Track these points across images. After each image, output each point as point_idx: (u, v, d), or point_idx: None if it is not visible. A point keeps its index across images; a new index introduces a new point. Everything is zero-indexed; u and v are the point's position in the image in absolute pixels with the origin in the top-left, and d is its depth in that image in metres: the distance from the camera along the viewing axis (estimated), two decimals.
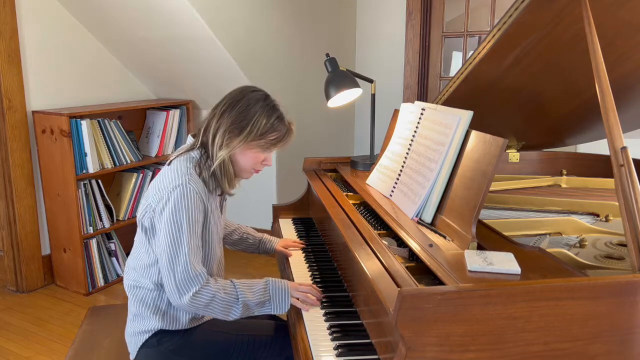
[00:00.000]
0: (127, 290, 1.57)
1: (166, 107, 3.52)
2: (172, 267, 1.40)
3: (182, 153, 1.52)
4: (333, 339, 1.26)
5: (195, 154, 1.51)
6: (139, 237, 1.55)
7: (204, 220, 1.47)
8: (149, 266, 1.50)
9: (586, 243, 1.42)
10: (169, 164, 1.51)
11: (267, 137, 1.49)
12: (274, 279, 1.51)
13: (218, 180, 1.50)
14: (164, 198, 1.42)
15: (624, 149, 1.14)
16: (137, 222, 1.52)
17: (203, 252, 1.50)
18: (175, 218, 1.40)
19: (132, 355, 1.55)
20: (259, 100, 1.50)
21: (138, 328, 1.52)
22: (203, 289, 1.41)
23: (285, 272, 1.74)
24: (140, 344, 1.51)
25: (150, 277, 1.50)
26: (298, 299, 1.46)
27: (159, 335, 1.50)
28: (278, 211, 2.25)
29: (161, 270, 1.44)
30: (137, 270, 1.54)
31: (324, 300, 1.47)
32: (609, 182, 1.96)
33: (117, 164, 3.20)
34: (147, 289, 1.51)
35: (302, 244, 1.88)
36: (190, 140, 1.57)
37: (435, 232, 1.36)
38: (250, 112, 1.47)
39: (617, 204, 1.13)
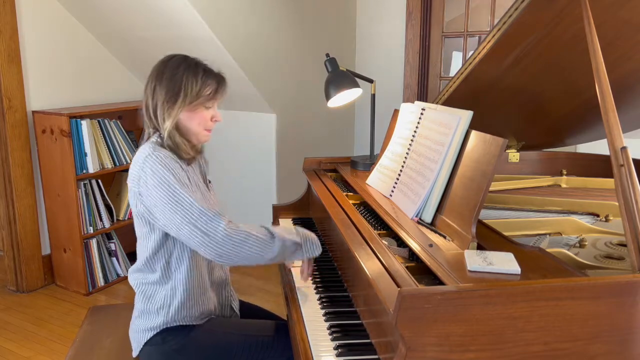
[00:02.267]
0: (134, 287, 1.58)
1: None
2: (188, 219, 1.38)
3: (143, 143, 1.55)
4: (333, 339, 1.26)
5: (154, 137, 1.53)
6: (139, 236, 1.55)
7: (189, 182, 1.47)
8: (154, 254, 1.50)
9: (586, 243, 1.42)
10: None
11: (203, 94, 1.51)
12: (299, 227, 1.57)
13: (173, 151, 1.51)
14: (142, 174, 1.44)
15: (624, 149, 1.14)
16: (133, 215, 1.53)
17: None
18: (160, 179, 1.41)
19: (135, 352, 1.55)
20: (180, 63, 1.53)
21: (143, 325, 1.53)
22: (232, 225, 1.39)
23: (284, 271, 1.74)
24: (145, 341, 1.52)
25: (158, 265, 1.50)
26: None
27: (164, 334, 1.51)
28: (278, 211, 2.25)
29: (183, 238, 1.41)
30: (142, 270, 1.55)
31: (324, 299, 1.47)
32: (609, 182, 1.96)
33: (117, 164, 3.20)
34: (154, 284, 1.52)
35: None
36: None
37: (435, 232, 1.36)
38: (177, 77, 1.50)
39: (617, 204, 1.13)
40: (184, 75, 1.50)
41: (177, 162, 1.47)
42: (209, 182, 1.70)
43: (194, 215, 1.38)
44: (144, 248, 1.53)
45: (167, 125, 1.49)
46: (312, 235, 1.53)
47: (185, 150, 1.52)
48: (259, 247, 1.40)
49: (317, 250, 1.51)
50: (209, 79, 1.52)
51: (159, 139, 1.52)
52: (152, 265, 1.52)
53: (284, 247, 1.44)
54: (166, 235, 1.49)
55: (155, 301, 1.52)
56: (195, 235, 1.38)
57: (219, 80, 1.55)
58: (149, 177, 1.42)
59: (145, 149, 1.48)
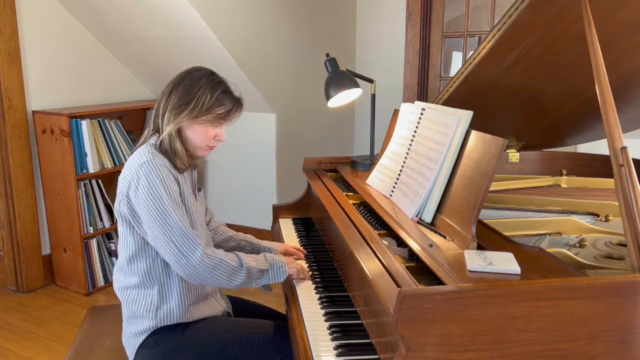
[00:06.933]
0: (118, 294, 1.57)
1: None
2: (169, 237, 1.41)
3: (142, 142, 1.55)
4: (333, 339, 1.26)
5: (153, 139, 1.53)
6: (120, 233, 1.54)
7: (180, 193, 1.48)
8: (133, 257, 1.50)
9: (586, 243, 1.42)
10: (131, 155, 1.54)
11: (213, 112, 1.50)
12: (270, 253, 1.63)
13: (169, 156, 1.50)
14: (134, 179, 1.43)
15: (624, 149, 1.14)
16: (116, 214, 1.52)
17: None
18: (152, 191, 1.41)
19: (131, 358, 1.55)
20: (203, 77, 1.51)
21: (134, 330, 1.52)
22: (209, 251, 1.45)
23: None
24: (138, 345, 1.51)
25: (137, 269, 1.50)
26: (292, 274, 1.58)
27: (156, 336, 1.50)
28: (278, 211, 2.25)
29: (160, 249, 1.44)
30: (123, 270, 1.54)
31: (324, 299, 1.47)
32: (609, 182, 1.95)
33: (117, 164, 3.20)
34: (136, 287, 1.51)
35: (303, 251, 1.81)
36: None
37: (435, 232, 1.36)
38: (194, 88, 1.49)
39: (617, 204, 1.13)
40: (202, 88, 1.49)
41: (172, 172, 1.47)
42: (199, 190, 1.68)
43: (175, 234, 1.41)
44: (123, 247, 1.53)
45: (168, 130, 1.49)
46: (281, 260, 1.56)
47: (181, 157, 1.51)
48: (228, 274, 1.47)
49: (283, 276, 1.55)
50: (225, 99, 1.51)
51: (157, 141, 1.51)
52: (131, 267, 1.51)
53: (250, 274, 1.50)
54: (145, 241, 1.48)
55: (140, 304, 1.51)
56: (172, 252, 1.42)
57: (235, 103, 1.54)
58: (141, 184, 1.42)
59: (143, 153, 1.47)
